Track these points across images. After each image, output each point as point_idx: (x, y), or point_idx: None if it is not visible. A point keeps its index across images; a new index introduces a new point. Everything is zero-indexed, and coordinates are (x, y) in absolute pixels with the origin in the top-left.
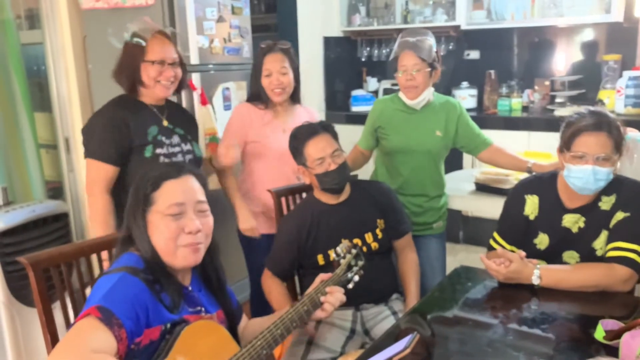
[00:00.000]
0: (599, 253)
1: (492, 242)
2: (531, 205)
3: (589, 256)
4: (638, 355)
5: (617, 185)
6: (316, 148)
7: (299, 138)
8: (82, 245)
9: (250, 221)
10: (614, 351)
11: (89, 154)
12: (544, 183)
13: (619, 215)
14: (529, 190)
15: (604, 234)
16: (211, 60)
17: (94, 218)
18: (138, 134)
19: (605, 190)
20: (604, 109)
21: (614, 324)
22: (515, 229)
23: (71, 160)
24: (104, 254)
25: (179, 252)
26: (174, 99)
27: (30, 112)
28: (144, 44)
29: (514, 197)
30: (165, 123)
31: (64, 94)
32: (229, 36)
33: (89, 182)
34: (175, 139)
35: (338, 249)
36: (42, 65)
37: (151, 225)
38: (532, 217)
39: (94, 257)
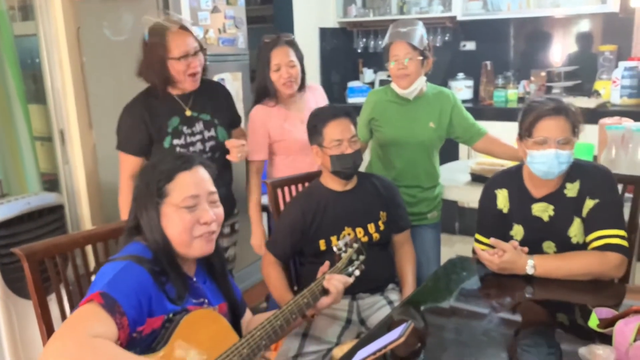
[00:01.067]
0: (574, 241)
1: (475, 244)
2: (502, 199)
3: (565, 245)
4: (631, 342)
5: (578, 170)
6: (336, 129)
7: (321, 117)
8: (76, 237)
9: (260, 239)
10: (607, 339)
11: (118, 146)
12: (510, 176)
13: (589, 203)
14: (498, 185)
15: (577, 222)
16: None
17: (121, 205)
18: (157, 128)
19: (569, 177)
20: (558, 97)
21: (607, 312)
22: (492, 225)
23: (66, 152)
24: None
25: (195, 243)
26: None
27: (25, 104)
28: (163, 41)
29: (486, 194)
30: (188, 113)
31: (58, 86)
32: (224, 27)
33: (121, 172)
34: (198, 127)
35: (340, 242)
36: (36, 57)
37: (165, 217)
38: (505, 211)
39: (90, 250)
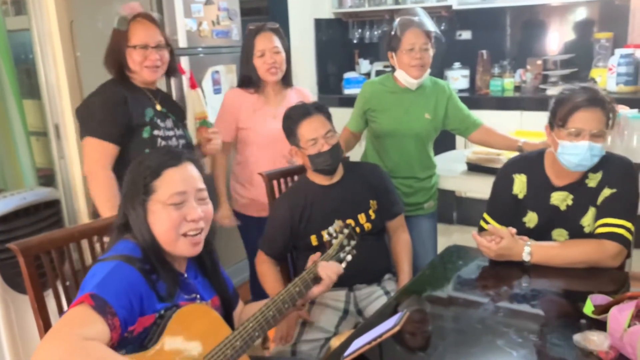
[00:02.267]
0: (586, 230)
1: (482, 222)
2: (519, 184)
3: (577, 233)
4: (625, 328)
5: (603, 161)
6: (309, 129)
7: (293, 118)
8: (72, 231)
9: (227, 211)
10: (602, 325)
11: (88, 132)
12: (531, 162)
13: (606, 192)
14: (517, 170)
15: (591, 211)
16: (200, 43)
17: (100, 196)
18: (136, 113)
19: (592, 168)
20: (594, 86)
21: (602, 299)
22: (504, 209)
23: (62, 147)
24: None
25: (180, 242)
26: (162, 83)
27: (19, 99)
28: (124, 29)
29: (502, 177)
30: (158, 107)
31: (52, 81)
32: (218, 19)
33: (89, 161)
34: (169, 123)
35: (330, 229)
36: (30, 52)
37: (151, 214)
38: (520, 196)
39: (85, 244)
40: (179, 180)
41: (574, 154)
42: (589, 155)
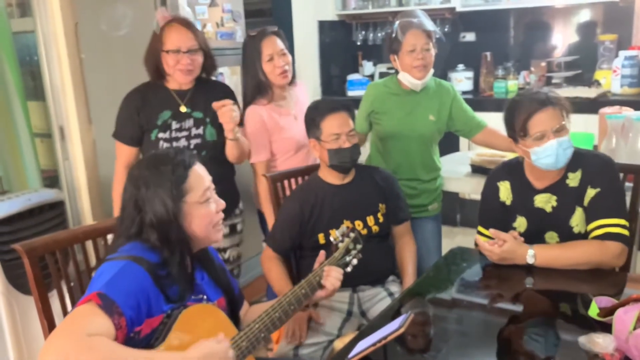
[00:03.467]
0: (576, 230)
1: (477, 236)
2: (505, 191)
3: (568, 235)
4: (631, 330)
5: (579, 159)
6: (334, 123)
7: (319, 111)
8: (76, 232)
9: None
10: (607, 327)
11: (114, 134)
12: (511, 168)
13: (590, 192)
14: (500, 177)
15: (578, 211)
16: None
17: (115, 195)
18: (148, 119)
19: (570, 167)
20: (533, 88)
21: (607, 301)
22: (495, 217)
23: (66, 149)
24: None
25: (214, 231)
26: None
27: (24, 101)
28: (160, 33)
29: (488, 187)
30: (182, 108)
31: (57, 83)
32: (222, 21)
33: (116, 161)
34: (188, 123)
35: (337, 232)
36: (35, 53)
37: (187, 215)
38: (508, 202)
39: (89, 245)
40: (202, 178)
41: (547, 155)
42: (561, 151)
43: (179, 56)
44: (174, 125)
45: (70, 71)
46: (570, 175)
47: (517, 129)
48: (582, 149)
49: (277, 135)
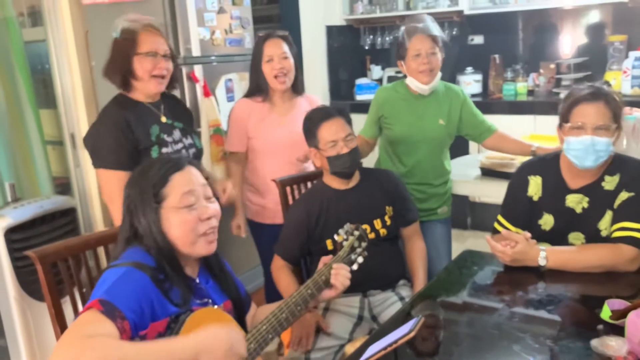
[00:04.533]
0: (604, 234)
1: (496, 224)
2: (534, 186)
3: (594, 237)
4: None
5: (620, 164)
6: (330, 131)
7: (313, 120)
8: (88, 239)
9: (241, 220)
10: (620, 330)
11: (100, 164)
12: (547, 164)
13: (624, 195)
14: (532, 172)
15: (608, 214)
16: (213, 51)
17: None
18: (142, 136)
19: (609, 170)
20: (602, 84)
21: (620, 304)
22: (519, 211)
23: (77, 156)
24: None
25: (199, 242)
26: (176, 93)
27: (36, 109)
28: (131, 37)
29: (518, 179)
30: (163, 119)
31: (68, 90)
32: (230, 27)
33: (106, 191)
34: (177, 135)
35: (341, 231)
36: (46, 62)
37: (166, 221)
38: (535, 198)
39: (101, 251)
40: (185, 182)
41: (577, 149)
42: (593, 150)
43: (156, 60)
44: (167, 138)
45: (81, 79)
46: (608, 178)
47: (561, 113)
48: (625, 155)
49: (253, 132)
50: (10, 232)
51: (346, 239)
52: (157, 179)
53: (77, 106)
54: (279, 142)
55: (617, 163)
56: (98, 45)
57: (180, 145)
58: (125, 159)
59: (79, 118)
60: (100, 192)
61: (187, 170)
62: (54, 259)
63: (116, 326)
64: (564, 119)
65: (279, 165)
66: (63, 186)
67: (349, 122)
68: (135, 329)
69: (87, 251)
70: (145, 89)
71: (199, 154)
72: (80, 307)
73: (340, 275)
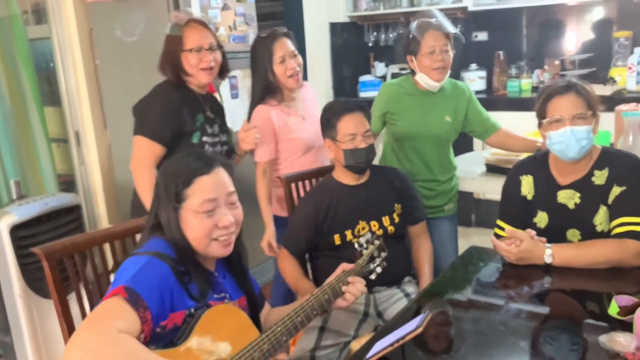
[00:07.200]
0: (599, 229)
1: (497, 230)
2: (527, 186)
3: (590, 233)
4: None
5: (608, 158)
6: (350, 124)
7: (335, 111)
8: (94, 235)
9: (270, 239)
10: (628, 326)
11: (141, 131)
12: (536, 162)
13: (616, 190)
14: (523, 171)
15: (602, 210)
16: None
17: (143, 193)
18: (189, 119)
19: (598, 164)
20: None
21: (627, 300)
22: (515, 211)
23: (82, 153)
24: None
25: (212, 245)
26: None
27: (40, 106)
28: (179, 34)
29: (510, 180)
30: (208, 113)
31: (72, 88)
32: (234, 24)
33: (136, 158)
34: (216, 129)
35: (362, 239)
36: (50, 60)
37: (184, 220)
38: (529, 197)
39: (107, 247)
40: (210, 188)
41: (559, 141)
42: (574, 140)
43: (202, 54)
44: (208, 129)
45: (85, 77)
46: (597, 172)
47: (538, 111)
48: (612, 148)
49: (284, 135)
50: (16, 229)
51: (366, 248)
52: (183, 178)
53: (82, 104)
54: (310, 135)
55: (605, 157)
56: (102, 43)
57: (217, 139)
58: (164, 133)
59: (83, 116)
60: (105, 189)
61: (215, 173)
62: (60, 255)
63: (139, 316)
64: (541, 115)
65: (306, 160)
66: (68, 183)
67: (368, 118)
68: (156, 319)
69: (92, 248)
70: (196, 81)
71: (230, 152)
72: (86, 304)
73: (354, 286)
